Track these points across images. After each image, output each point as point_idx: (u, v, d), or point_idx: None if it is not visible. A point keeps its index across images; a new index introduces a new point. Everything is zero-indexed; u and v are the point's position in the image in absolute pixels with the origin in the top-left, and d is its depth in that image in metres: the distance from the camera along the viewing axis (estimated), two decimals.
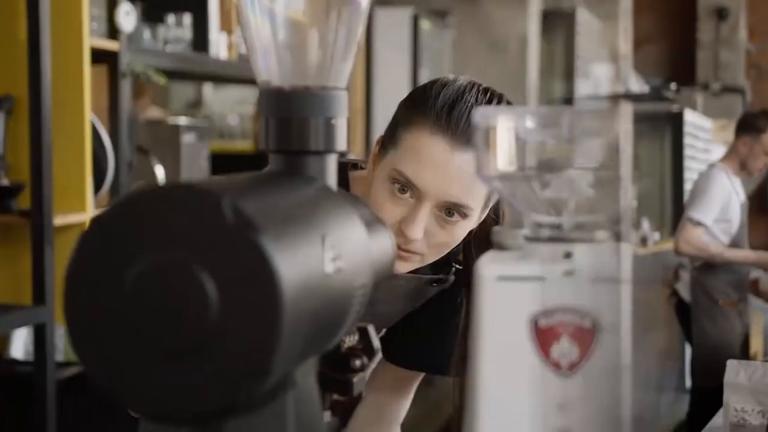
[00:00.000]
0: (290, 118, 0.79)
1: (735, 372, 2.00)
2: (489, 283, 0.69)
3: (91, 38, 2.52)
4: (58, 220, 2.39)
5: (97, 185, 2.56)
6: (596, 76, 7.88)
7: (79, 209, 2.48)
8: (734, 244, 4.33)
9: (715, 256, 4.24)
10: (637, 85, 5.83)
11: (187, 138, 3.07)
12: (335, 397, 0.86)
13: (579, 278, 0.68)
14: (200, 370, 0.61)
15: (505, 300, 0.69)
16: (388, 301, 1.39)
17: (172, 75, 3.29)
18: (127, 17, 2.62)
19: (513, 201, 0.72)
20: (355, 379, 0.84)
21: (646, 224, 6.37)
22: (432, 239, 1.25)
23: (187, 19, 3.04)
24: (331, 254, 0.70)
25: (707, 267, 4.33)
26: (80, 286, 0.63)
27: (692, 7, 8.98)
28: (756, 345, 4.81)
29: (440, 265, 1.39)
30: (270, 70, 0.82)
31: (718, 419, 2.15)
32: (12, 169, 2.45)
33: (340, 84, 0.82)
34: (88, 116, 2.48)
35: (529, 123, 0.71)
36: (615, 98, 5.61)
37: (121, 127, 2.66)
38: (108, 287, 0.62)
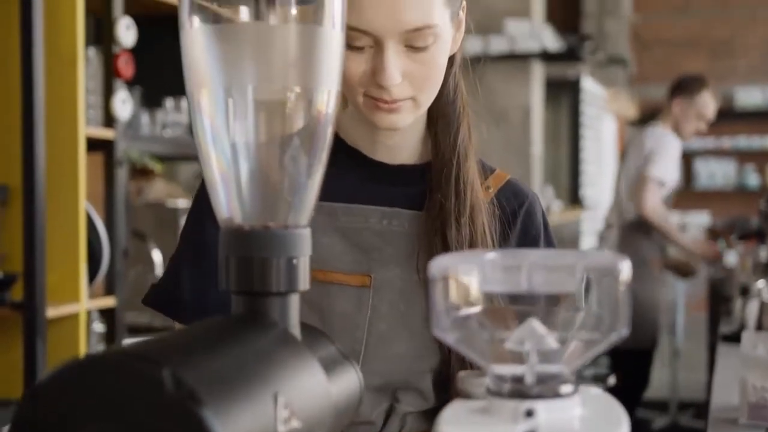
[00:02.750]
0: (251, 258, 0.78)
1: (752, 344, 1.82)
2: None
3: (87, 127, 2.53)
4: (51, 312, 2.37)
5: (92, 274, 2.55)
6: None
7: (73, 300, 2.47)
8: (665, 204, 4.32)
9: (670, 232, 4.24)
10: (551, 42, 5.67)
11: None
12: None
13: None
14: None
15: None
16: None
17: (171, 158, 3.30)
18: (124, 105, 2.62)
19: (472, 353, 0.69)
20: None
21: (550, 192, 6.26)
22: (414, 78, 1.13)
23: (185, 103, 3.06)
24: (285, 414, 0.67)
25: (639, 224, 4.28)
26: None
27: None
28: None
29: None
30: (231, 207, 0.80)
31: (732, 398, 1.92)
32: (6, 259, 2.43)
33: (302, 222, 0.80)
34: (83, 206, 2.47)
35: (487, 272, 0.68)
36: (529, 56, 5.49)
37: (116, 215, 2.66)
38: None
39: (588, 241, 7.21)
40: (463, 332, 0.69)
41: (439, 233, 1.19)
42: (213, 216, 1.28)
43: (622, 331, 0.67)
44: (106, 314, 2.72)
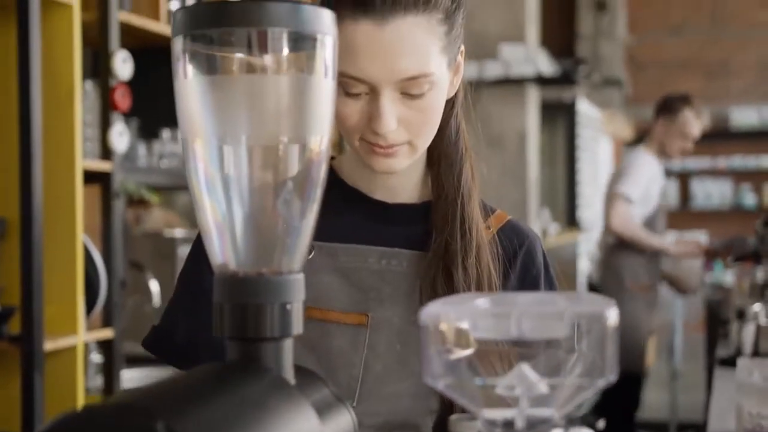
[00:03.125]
0: (245, 304, 0.79)
1: (747, 371, 1.82)
2: None
3: (84, 159, 2.54)
4: (49, 345, 2.38)
5: (90, 306, 2.55)
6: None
7: (70, 332, 2.47)
8: (647, 225, 4.31)
9: (642, 239, 4.23)
10: (546, 66, 5.85)
11: (184, 250, 3.08)
12: None
13: None
14: None
15: None
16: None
17: (169, 188, 3.31)
18: (121, 138, 2.64)
19: (462, 399, 0.70)
20: None
21: (546, 214, 6.29)
22: (410, 124, 1.13)
23: None
24: None
25: (619, 247, 4.28)
26: None
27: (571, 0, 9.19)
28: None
29: None
30: (225, 253, 0.81)
31: (729, 423, 1.95)
32: (4, 292, 2.44)
33: (295, 267, 0.81)
34: (80, 238, 2.48)
35: (478, 320, 0.70)
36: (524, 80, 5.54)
37: (114, 247, 2.66)
38: None
39: (585, 263, 7.22)
40: (454, 378, 0.70)
41: (443, 274, 1.19)
42: (210, 262, 1.27)
43: (610, 377, 0.68)
44: (104, 345, 2.72)
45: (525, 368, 0.70)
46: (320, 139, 0.81)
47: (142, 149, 2.94)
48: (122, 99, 2.65)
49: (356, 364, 1.18)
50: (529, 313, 0.69)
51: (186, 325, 1.22)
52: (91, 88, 2.67)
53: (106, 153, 2.66)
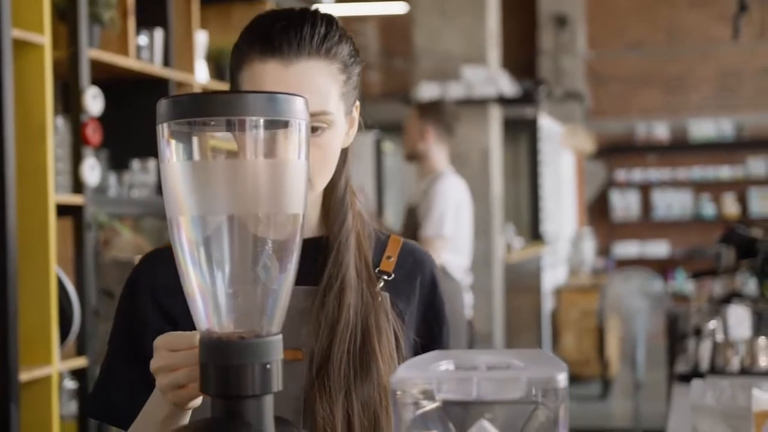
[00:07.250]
0: (228, 366, 0.86)
1: (701, 393, 1.88)
2: None
3: (57, 194, 2.59)
4: (24, 376, 2.43)
5: (63, 336, 2.60)
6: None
7: (45, 363, 2.52)
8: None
9: None
10: (508, 87, 5.86)
11: None
12: None
13: None
14: None
15: None
16: None
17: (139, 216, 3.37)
18: (92, 172, 2.69)
19: None
20: None
21: (511, 229, 6.36)
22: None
23: (152, 164, 3.13)
24: None
25: None
26: None
27: (532, 15, 9.35)
28: None
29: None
30: (209, 319, 0.88)
31: None
32: None
33: (274, 329, 0.89)
34: (54, 270, 2.53)
35: (442, 383, 0.77)
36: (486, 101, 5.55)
37: (86, 277, 2.72)
38: None
39: (549, 275, 7.34)
40: None
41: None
42: (143, 318, 1.29)
43: None
44: (78, 373, 2.77)
45: (485, 423, 0.78)
46: (295, 211, 0.89)
47: (112, 180, 2.99)
48: (93, 134, 2.70)
49: (298, 397, 1.20)
50: (489, 377, 0.77)
51: (126, 387, 1.24)
52: (62, 124, 2.72)
53: (77, 187, 2.71)
